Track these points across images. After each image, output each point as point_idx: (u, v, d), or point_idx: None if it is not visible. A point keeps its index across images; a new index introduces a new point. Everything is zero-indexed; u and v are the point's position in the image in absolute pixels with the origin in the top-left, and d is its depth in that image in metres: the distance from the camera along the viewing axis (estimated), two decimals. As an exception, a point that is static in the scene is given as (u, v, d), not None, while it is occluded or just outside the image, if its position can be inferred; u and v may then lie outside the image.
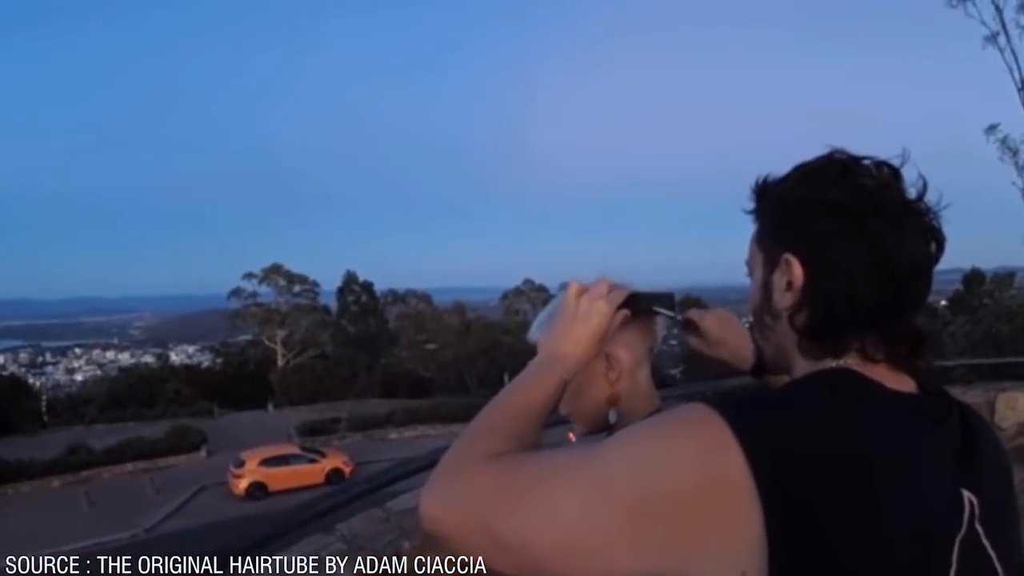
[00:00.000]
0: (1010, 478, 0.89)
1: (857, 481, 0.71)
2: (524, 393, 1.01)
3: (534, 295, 62.90)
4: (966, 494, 0.78)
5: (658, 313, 1.17)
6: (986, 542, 0.78)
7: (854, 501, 0.70)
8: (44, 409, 44.46)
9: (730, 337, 1.25)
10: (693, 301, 51.34)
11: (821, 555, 0.70)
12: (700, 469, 0.71)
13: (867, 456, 0.72)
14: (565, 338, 1.07)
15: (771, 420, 0.74)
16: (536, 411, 0.99)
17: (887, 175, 0.85)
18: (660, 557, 0.72)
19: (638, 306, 1.14)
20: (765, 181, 0.93)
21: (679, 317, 1.22)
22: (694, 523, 0.71)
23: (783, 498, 0.69)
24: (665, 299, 1.18)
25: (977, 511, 0.78)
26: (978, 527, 0.78)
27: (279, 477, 27.59)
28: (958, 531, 0.76)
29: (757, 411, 0.76)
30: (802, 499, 0.69)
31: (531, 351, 1.20)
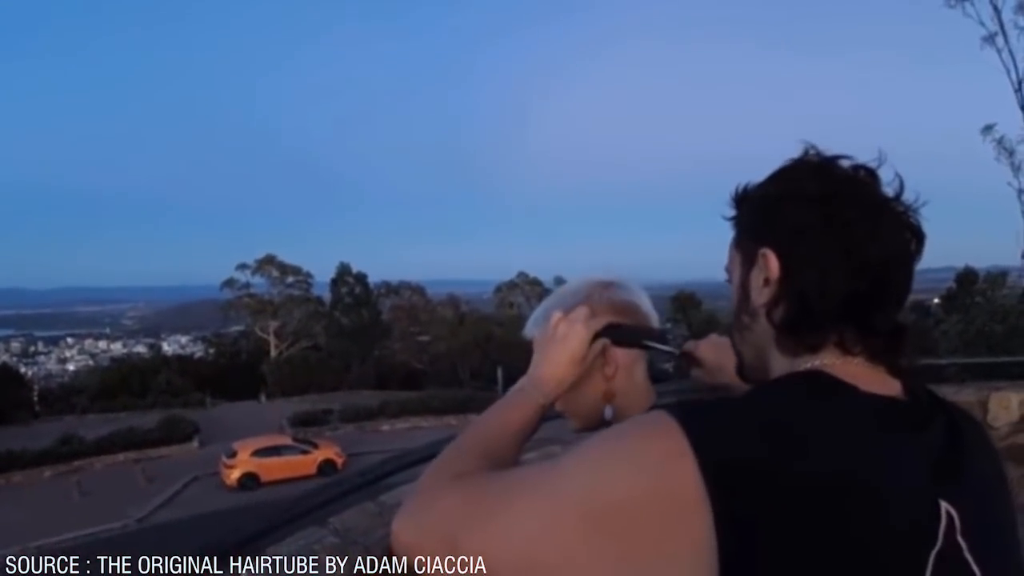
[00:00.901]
0: (1005, 486, 0.86)
1: (819, 495, 0.68)
2: (499, 418, 1.04)
3: (528, 288, 62.97)
4: (944, 506, 0.74)
5: (651, 348, 1.16)
6: (969, 556, 0.75)
7: (815, 516, 0.68)
8: (36, 399, 44.40)
9: (727, 361, 1.20)
10: (688, 296, 51.70)
11: (776, 573, 0.68)
12: (652, 480, 0.70)
13: (832, 468, 0.70)
14: (543, 362, 1.09)
15: (731, 428, 0.72)
16: (511, 435, 1.02)
17: (863, 174, 0.85)
18: (616, 572, 0.71)
19: (625, 338, 1.14)
20: (744, 188, 0.94)
21: (676, 352, 1.21)
22: (647, 536, 0.69)
23: (737, 512, 0.67)
24: (656, 334, 1.17)
25: (958, 524, 0.74)
26: (960, 540, 0.74)
27: (271, 468, 27.58)
28: (932, 545, 0.73)
29: (717, 418, 0.74)
30: (758, 513, 0.67)
31: (526, 346, 1.20)
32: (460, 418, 35.60)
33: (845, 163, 0.86)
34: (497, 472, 0.88)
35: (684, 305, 49.88)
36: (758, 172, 0.94)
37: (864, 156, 0.87)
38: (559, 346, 1.09)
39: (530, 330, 1.23)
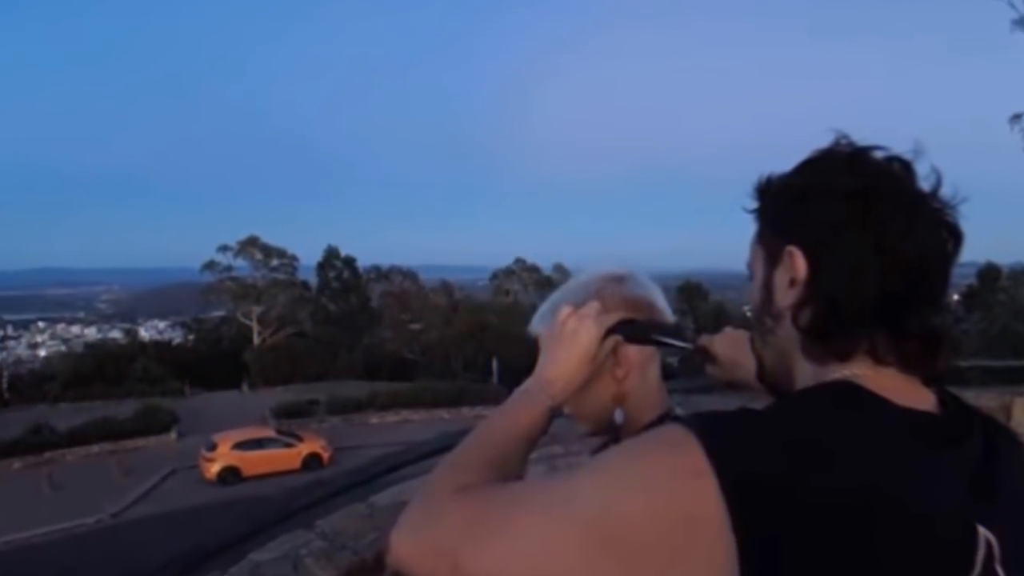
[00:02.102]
0: None
1: (849, 518, 0.66)
2: (505, 422, 1.03)
3: (526, 275, 62.99)
4: (983, 532, 0.71)
5: (665, 344, 1.14)
6: None
7: (844, 541, 0.66)
8: (5, 386, 44.33)
9: (744, 357, 1.19)
10: (695, 286, 51.74)
11: None
12: (668, 501, 0.69)
13: (862, 489, 0.68)
14: (551, 361, 1.08)
15: (752, 443, 0.70)
16: (518, 441, 1.01)
17: (898, 167, 0.83)
18: None
19: (638, 334, 1.13)
20: (768, 178, 0.91)
21: (690, 346, 1.19)
22: (661, 559, 0.68)
23: (759, 531, 0.66)
24: (670, 328, 1.16)
25: (997, 551, 0.71)
26: (998, 569, 0.71)
27: (253, 461, 27.68)
28: (968, 573, 0.70)
29: (738, 434, 0.71)
30: (783, 538, 0.65)
31: (525, 339, 1.20)
32: (453, 411, 35.71)
33: (878, 154, 0.84)
34: (503, 485, 0.87)
35: (691, 296, 50.00)
36: (777, 161, 0.91)
37: (891, 146, 0.85)
38: (568, 344, 1.07)
39: (536, 326, 1.21)
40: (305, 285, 60.36)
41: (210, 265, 58.90)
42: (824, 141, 0.87)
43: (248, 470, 27.37)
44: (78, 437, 31.54)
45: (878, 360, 0.81)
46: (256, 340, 56.27)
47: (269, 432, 30.70)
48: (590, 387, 1.12)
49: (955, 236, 0.82)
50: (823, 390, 0.80)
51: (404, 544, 0.86)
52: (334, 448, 29.59)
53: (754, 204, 0.93)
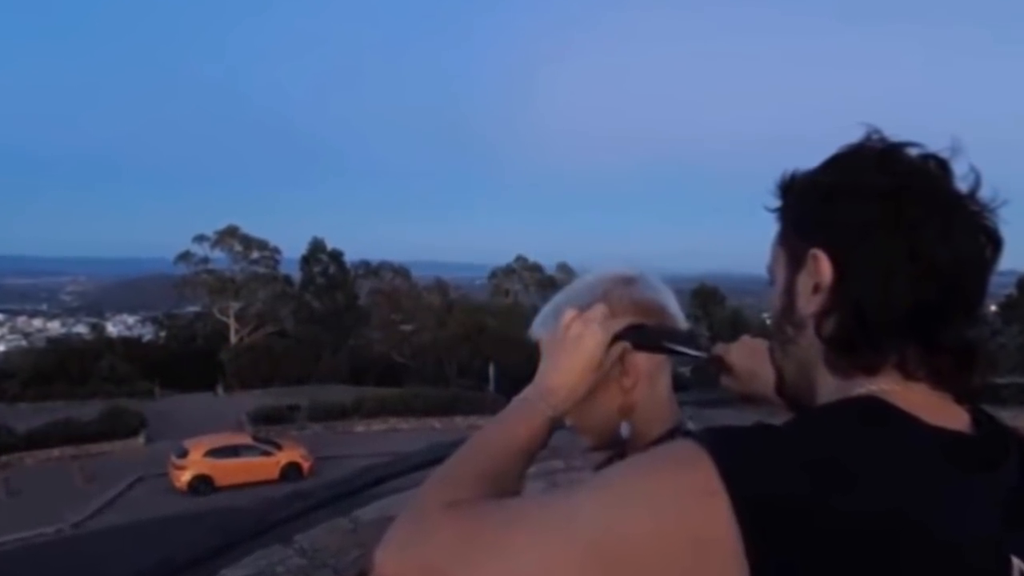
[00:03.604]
0: None
1: (871, 544, 0.65)
2: (502, 433, 1.02)
3: (527, 275, 63.05)
4: (1016, 562, 0.71)
5: (677, 352, 1.13)
6: None
7: (865, 569, 0.65)
8: (-40, 383, 44.30)
9: (762, 369, 1.18)
10: (711, 291, 51.78)
11: None
12: (676, 519, 0.69)
13: (886, 514, 0.67)
14: (553, 368, 1.08)
15: (770, 461, 0.70)
16: (515, 454, 1.00)
17: (934, 166, 0.82)
18: None
19: (648, 341, 1.12)
20: (792, 175, 0.90)
21: (704, 355, 1.19)
22: None
23: (776, 561, 0.65)
24: (683, 336, 1.16)
25: None
26: None
27: (227, 470, 27.73)
28: None
29: (754, 452, 0.71)
30: (800, 563, 0.65)
31: (527, 345, 1.20)
32: (445, 420, 35.70)
33: (912, 152, 0.83)
34: (498, 502, 0.87)
35: (706, 301, 50.07)
36: (802, 157, 0.90)
37: (927, 142, 0.83)
38: (572, 350, 1.07)
39: (537, 330, 1.21)
40: (287, 280, 60.53)
41: (185, 256, 59.04)
42: (854, 136, 0.86)
43: (222, 479, 27.41)
44: (38, 440, 31.57)
45: (908, 375, 0.80)
46: (233, 339, 56.39)
47: (245, 439, 30.78)
48: (594, 397, 1.11)
49: (994, 241, 0.81)
50: (847, 406, 0.79)
51: (390, 562, 0.86)
52: (316, 457, 29.62)
53: (776, 203, 0.92)
